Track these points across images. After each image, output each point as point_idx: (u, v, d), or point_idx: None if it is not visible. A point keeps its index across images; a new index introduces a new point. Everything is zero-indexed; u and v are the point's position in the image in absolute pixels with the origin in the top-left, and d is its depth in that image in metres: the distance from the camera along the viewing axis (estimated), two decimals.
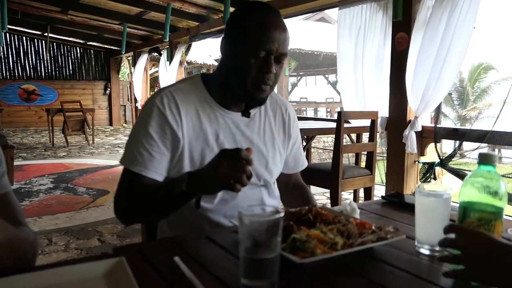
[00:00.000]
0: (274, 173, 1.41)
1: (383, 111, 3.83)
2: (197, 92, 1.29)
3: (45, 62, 12.36)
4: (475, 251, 0.72)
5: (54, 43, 12.20)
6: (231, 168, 0.95)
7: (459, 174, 3.47)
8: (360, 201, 3.78)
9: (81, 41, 12.10)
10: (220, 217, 1.29)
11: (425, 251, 0.95)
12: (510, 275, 0.68)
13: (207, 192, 1.09)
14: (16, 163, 5.74)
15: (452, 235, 0.77)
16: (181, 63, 8.41)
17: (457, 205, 0.88)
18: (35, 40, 12.13)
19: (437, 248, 0.94)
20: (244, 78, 1.19)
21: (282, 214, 0.76)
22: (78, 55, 12.81)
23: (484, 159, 0.81)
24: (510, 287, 0.70)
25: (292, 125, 1.47)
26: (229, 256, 0.94)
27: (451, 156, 3.55)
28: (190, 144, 1.24)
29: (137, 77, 10.24)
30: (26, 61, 12.15)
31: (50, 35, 10.47)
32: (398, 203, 1.37)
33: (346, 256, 0.91)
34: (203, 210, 1.26)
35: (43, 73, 12.38)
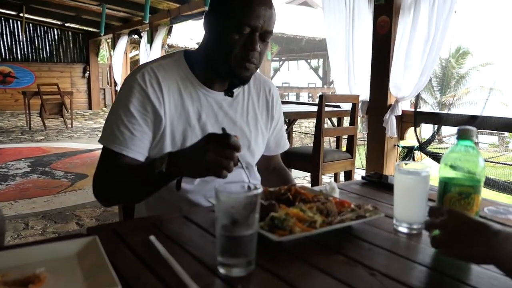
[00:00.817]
0: (256, 155, 1.39)
1: (367, 95, 3.83)
2: (179, 69, 1.25)
3: (21, 43, 11.98)
4: (452, 228, 0.73)
5: (30, 24, 11.83)
6: (220, 154, 0.93)
7: (438, 158, 3.52)
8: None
9: (59, 23, 11.77)
10: (200, 198, 1.27)
11: (403, 229, 0.96)
12: (481, 249, 0.70)
13: (190, 175, 1.05)
14: None
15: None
16: (162, 45, 8.27)
17: (436, 185, 0.88)
18: (10, 20, 11.72)
19: (415, 226, 0.95)
20: (228, 55, 1.15)
21: (260, 191, 0.74)
22: (56, 36, 12.46)
23: (463, 134, 0.81)
24: (482, 261, 0.73)
25: (275, 106, 1.45)
26: (207, 235, 0.93)
27: (430, 140, 3.59)
28: (172, 124, 1.21)
29: (116, 60, 10.05)
30: (1, 43, 11.75)
31: (26, 15, 10.14)
32: (377, 183, 1.37)
33: (325, 234, 0.90)
34: (182, 191, 1.24)
35: (19, 55, 12.01)
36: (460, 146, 0.82)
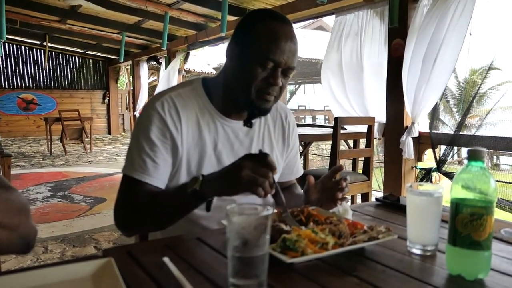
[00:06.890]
0: None
1: (382, 117, 3.83)
2: (197, 98, 1.25)
3: (44, 71, 12.37)
4: None
5: (53, 53, 12.23)
6: (255, 171, 0.94)
7: None
8: None
9: (80, 51, 12.13)
10: (214, 224, 1.27)
11: (416, 250, 0.94)
12: None
13: (224, 194, 1.03)
14: (13, 171, 5.71)
15: None
16: (179, 71, 8.42)
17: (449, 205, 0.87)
18: (34, 49, 12.16)
19: (429, 248, 0.94)
20: (249, 86, 1.16)
21: (270, 212, 0.75)
22: (77, 64, 12.84)
23: (473, 155, 0.81)
24: None
25: (292, 134, 1.44)
26: (220, 257, 0.93)
27: (444, 161, 3.54)
28: (188, 153, 1.22)
29: (141, 86, 10.01)
30: (25, 71, 12.17)
31: (49, 44, 10.49)
32: (391, 205, 1.36)
33: (337, 255, 0.90)
34: (196, 217, 1.25)
35: (41, 83, 12.40)
36: (471, 167, 0.81)
